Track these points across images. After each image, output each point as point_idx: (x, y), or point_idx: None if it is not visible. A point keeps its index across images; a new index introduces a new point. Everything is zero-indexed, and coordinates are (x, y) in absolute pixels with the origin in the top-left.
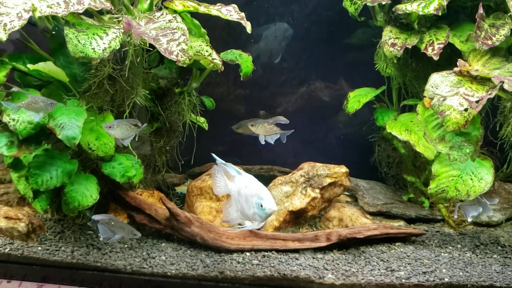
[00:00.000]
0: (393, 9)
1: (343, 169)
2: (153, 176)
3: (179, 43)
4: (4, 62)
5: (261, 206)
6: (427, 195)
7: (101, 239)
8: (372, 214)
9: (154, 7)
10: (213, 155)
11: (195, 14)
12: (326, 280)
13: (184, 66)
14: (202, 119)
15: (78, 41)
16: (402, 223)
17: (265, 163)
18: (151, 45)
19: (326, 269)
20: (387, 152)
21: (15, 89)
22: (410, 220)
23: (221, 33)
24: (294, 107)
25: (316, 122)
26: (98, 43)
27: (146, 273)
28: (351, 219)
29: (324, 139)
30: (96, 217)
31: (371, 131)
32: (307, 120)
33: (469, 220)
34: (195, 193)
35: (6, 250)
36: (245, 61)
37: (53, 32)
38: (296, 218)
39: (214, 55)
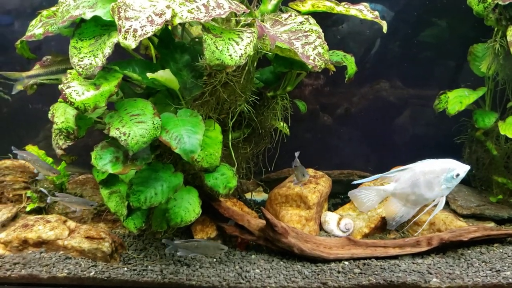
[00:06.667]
0: None
1: None
2: None
3: (315, 46)
4: (114, 71)
5: (457, 175)
6: None
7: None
8: (465, 216)
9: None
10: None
11: None
12: (432, 284)
13: (319, 71)
14: (283, 124)
15: (216, 47)
16: (492, 224)
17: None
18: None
19: (430, 273)
20: (477, 154)
21: None
22: (500, 221)
23: None
24: (370, 108)
25: (391, 124)
26: (235, 49)
27: None
28: (445, 223)
29: (400, 141)
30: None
31: (446, 132)
32: (381, 122)
33: None
34: (279, 201)
35: (91, 274)
36: (350, 62)
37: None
38: (385, 224)
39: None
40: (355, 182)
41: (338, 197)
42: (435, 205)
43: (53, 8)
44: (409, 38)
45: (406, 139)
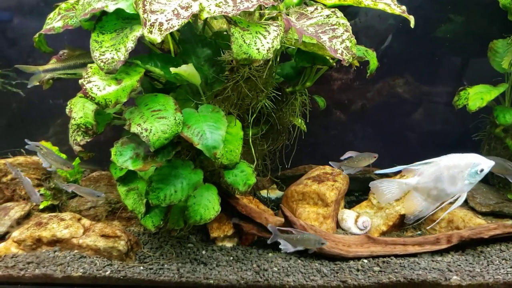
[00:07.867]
0: None
1: None
2: None
3: (342, 40)
4: (136, 65)
5: (481, 170)
6: None
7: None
8: (483, 214)
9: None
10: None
11: None
12: (453, 282)
13: (346, 65)
14: (300, 120)
15: (244, 41)
16: (511, 222)
17: None
18: None
19: (450, 271)
20: (496, 151)
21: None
22: None
23: None
24: (386, 104)
25: (408, 121)
26: (262, 43)
27: (262, 287)
28: (464, 220)
29: (417, 138)
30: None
31: (464, 129)
32: (398, 119)
33: None
34: (296, 198)
35: (107, 273)
36: (372, 57)
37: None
38: (403, 222)
39: None
40: (377, 172)
41: (353, 194)
42: (451, 202)
43: (71, 1)
44: (425, 33)
45: (423, 136)
